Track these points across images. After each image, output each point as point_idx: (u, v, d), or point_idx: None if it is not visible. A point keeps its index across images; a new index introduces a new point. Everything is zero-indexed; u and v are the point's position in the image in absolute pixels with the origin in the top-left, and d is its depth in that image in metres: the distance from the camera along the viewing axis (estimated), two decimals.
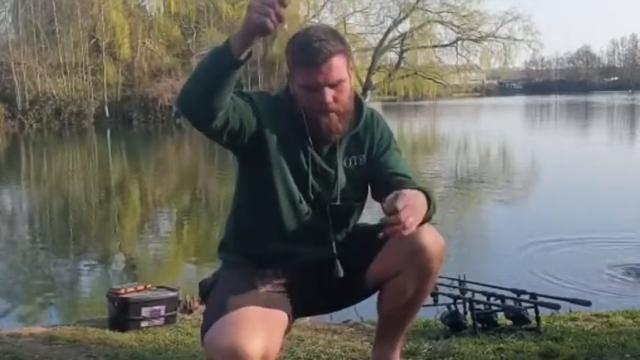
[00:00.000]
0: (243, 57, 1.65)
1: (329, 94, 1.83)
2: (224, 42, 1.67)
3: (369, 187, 2.00)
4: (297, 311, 1.94)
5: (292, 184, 1.90)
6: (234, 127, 1.77)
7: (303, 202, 1.91)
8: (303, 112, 1.87)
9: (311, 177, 1.91)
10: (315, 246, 1.93)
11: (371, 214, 2.15)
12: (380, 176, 1.94)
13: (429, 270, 1.94)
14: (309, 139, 1.89)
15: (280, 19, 1.58)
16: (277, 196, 1.90)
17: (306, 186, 1.91)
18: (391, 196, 1.63)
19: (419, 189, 1.74)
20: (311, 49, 1.81)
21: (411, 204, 1.63)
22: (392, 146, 1.99)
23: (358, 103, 1.96)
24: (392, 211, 1.60)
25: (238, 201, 2.01)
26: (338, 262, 1.92)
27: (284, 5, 1.58)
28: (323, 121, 1.86)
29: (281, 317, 1.83)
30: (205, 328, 1.74)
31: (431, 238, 1.90)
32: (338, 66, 1.84)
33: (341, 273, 1.91)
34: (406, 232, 1.62)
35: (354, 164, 1.96)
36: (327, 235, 1.96)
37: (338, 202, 1.94)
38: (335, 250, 1.93)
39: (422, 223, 1.72)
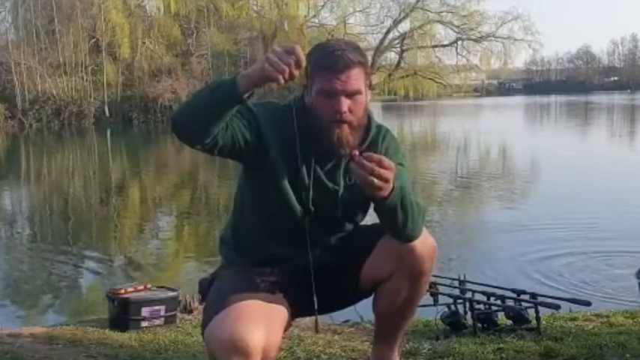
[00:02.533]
0: (246, 96, 1.73)
1: (345, 103, 1.83)
2: (232, 77, 1.73)
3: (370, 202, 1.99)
4: (295, 310, 1.95)
5: (292, 195, 1.90)
6: (224, 146, 1.80)
7: (303, 213, 1.92)
8: (316, 123, 1.86)
9: (311, 190, 1.91)
10: (312, 250, 1.94)
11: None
12: None
13: (420, 270, 1.95)
14: (315, 151, 1.89)
15: (293, 77, 1.67)
16: (277, 205, 1.91)
17: (306, 198, 1.91)
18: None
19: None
20: (333, 57, 1.83)
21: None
22: (394, 162, 1.94)
23: (368, 121, 1.95)
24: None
25: (239, 203, 2.03)
26: (317, 317, 1.93)
27: (299, 66, 1.67)
28: (335, 132, 1.84)
29: (281, 312, 1.85)
30: (206, 322, 1.77)
31: (420, 238, 1.91)
32: (357, 77, 1.84)
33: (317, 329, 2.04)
34: (369, 172, 1.66)
35: (354, 181, 1.93)
36: (325, 242, 1.97)
37: (338, 215, 1.96)
38: (316, 306, 1.92)
39: (384, 202, 1.74)
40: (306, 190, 1.90)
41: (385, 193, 1.72)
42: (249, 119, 1.84)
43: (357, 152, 1.70)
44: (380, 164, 1.67)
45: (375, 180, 1.67)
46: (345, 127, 1.85)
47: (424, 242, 1.92)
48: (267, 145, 1.86)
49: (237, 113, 1.81)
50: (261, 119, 1.86)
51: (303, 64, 1.68)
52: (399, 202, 1.77)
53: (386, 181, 1.69)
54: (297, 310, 1.97)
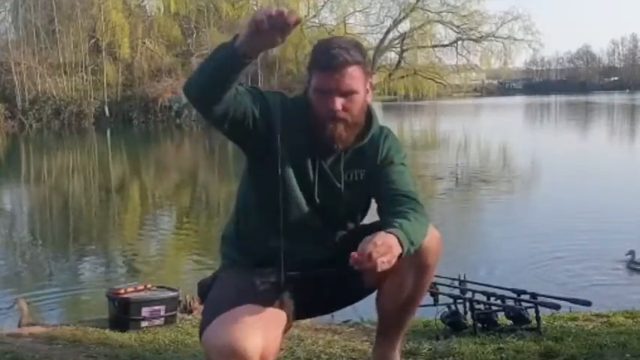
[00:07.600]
0: (248, 60, 1.69)
1: (338, 101, 1.85)
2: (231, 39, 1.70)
3: (371, 199, 2.01)
4: (297, 311, 1.94)
5: (297, 188, 1.91)
6: (234, 118, 1.79)
7: (307, 206, 1.93)
8: (314, 118, 1.88)
9: (317, 184, 1.92)
10: (314, 245, 1.95)
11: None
12: (379, 192, 1.95)
13: (425, 263, 1.96)
14: (317, 145, 1.91)
15: (282, 28, 1.61)
16: (282, 197, 1.91)
17: (311, 192, 1.92)
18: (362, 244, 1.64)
19: (393, 232, 1.71)
20: (329, 55, 1.85)
21: (383, 244, 1.64)
22: (396, 162, 1.97)
23: (370, 119, 1.97)
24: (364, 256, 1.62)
25: (242, 199, 2.03)
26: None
27: (284, 21, 1.60)
28: (328, 127, 1.87)
29: (279, 316, 1.84)
30: (203, 326, 1.76)
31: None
32: (353, 76, 1.85)
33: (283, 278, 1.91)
34: (373, 267, 1.62)
35: (353, 178, 1.96)
36: (328, 238, 1.97)
37: (340, 210, 1.97)
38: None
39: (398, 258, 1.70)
40: (310, 181, 1.92)
41: (396, 254, 1.68)
42: (260, 100, 1.86)
43: (353, 256, 1.64)
44: (366, 248, 1.62)
45: (383, 259, 1.63)
46: (340, 124, 1.87)
47: (431, 235, 1.92)
48: (274, 130, 1.87)
49: (249, 93, 1.84)
50: (271, 104, 1.89)
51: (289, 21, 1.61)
52: (411, 249, 1.76)
53: (388, 250, 1.65)
54: (301, 310, 1.96)
